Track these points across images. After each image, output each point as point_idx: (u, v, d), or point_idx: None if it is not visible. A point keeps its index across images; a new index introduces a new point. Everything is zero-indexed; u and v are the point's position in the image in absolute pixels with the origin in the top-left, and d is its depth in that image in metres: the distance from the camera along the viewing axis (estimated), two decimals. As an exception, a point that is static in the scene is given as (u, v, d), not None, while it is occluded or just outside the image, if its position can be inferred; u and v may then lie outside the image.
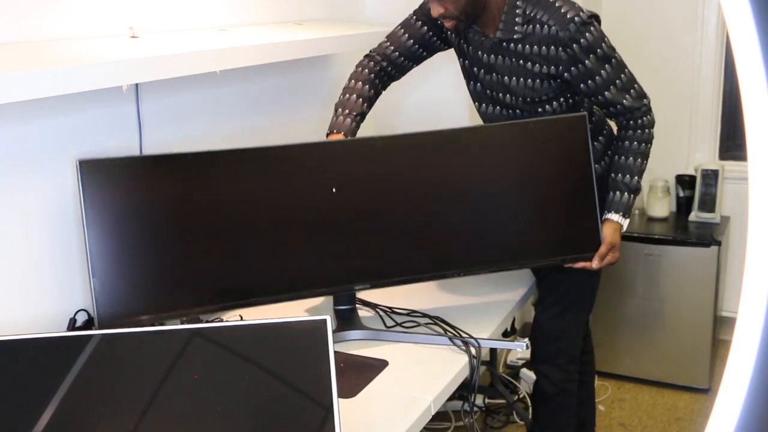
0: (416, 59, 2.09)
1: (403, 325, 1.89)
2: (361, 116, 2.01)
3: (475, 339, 1.76)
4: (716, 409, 0.48)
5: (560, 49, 1.80)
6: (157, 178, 1.67)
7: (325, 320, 1.29)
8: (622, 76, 1.85)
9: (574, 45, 1.79)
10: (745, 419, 0.46)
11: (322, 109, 2.43)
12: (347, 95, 2.03)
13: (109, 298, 1.61)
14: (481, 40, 1.91)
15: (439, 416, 2.65)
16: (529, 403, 2.86)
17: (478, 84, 2.00)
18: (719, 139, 3.33)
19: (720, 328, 3.09)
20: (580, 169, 1.87)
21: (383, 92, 2.13)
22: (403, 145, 1.86)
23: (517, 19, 1.83)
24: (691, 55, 3.26)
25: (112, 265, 1.62)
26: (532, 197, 1.90)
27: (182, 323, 1.65)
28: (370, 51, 2.11)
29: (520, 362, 3.00)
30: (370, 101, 2.05)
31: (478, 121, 2.17)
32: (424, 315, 1.90)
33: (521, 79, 1.89)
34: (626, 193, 1.90)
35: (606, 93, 1.84)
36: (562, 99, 1.90)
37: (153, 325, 1.61)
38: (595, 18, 1.83)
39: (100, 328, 1.58)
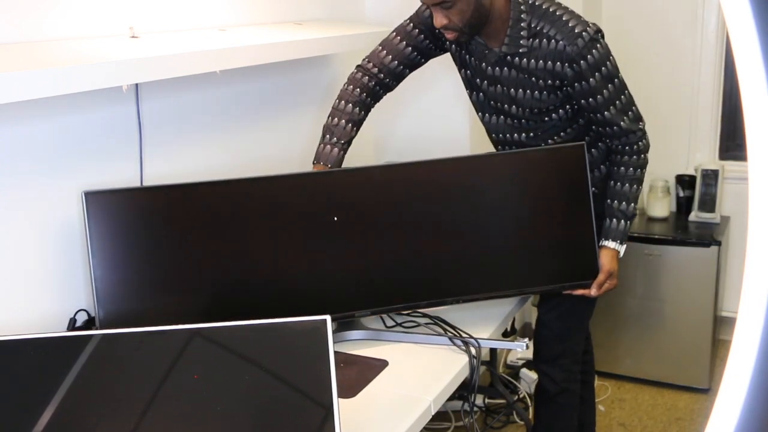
0: (412, 65, 2.03)
1: (403, 325, 1.89)
2: (349, 142, 1.97)
3: (475, 339, 1.76)
4: (716, 409, 0.48)
5: (566, 64, 1.77)
6: (157, 206, 1.69)
7: (325, 320, 1.29)
8: (623, 97, 1.84)
9: (581, 61, 1.76)
10: (745, 419, 0.46)
11: (322, 109, 2.43)
12: (335, 119, 1.97)
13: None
14: (485, 52, 1.88)
15: (439, 416, 2.66)
16: (530, 403, 2.87)
17: (482, 94, 1.98)
18: (719, 139, 3.33)
19: (720, 328, 3.09)
20: (579, 198, 1.89)
21: (380, 101, 2.08)
22: (403, 175, 1.88)
23: (522, 33, 1.79)
24: (691, 56, 3.26)
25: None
26: (531, 225, 1.91)
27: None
28: (363, 60, 2.03)
29: (520, 362, 3.00)
30: (359, 123, 1.99)
31: (479, 131, 2.17)
32: (424, 315, 1.90)
33: (527, 91, 1.87)
34: (623, 221, 1.91)
35: (606, 113, 1.83)
36: (568, 107, 1.89)
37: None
38: (599, 33, 1.80)
39: (100, 328, 1.58)
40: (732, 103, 3.28)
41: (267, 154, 2.25)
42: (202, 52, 1.68)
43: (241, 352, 1.28)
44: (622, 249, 1.93)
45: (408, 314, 1.92)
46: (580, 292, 1.92)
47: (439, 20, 1.76)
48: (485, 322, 1.90)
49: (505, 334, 2.55)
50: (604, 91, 1.80)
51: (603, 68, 1.78)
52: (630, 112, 1.87)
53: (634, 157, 1.90)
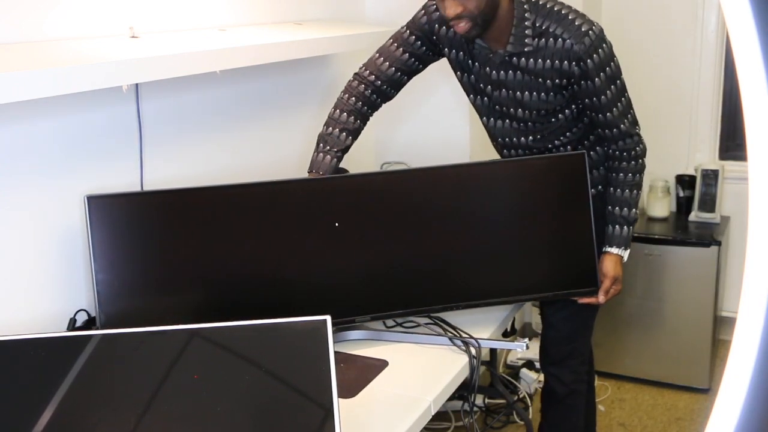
0: (410, 72, 2.00)
1: (403, 325, 1.89)
2: (344, 151, 1.94)
3: (475, 339, 1.76)
4: (716, 409, 0.48)
5: (573, 63, 1.76)
6: (159, 210, 1.69)
7: (325, 320, 1.29)
8: (623, 99, 1.84)
9: (588, 60, 1.75)
10: (745, 419, 0.46)
11: (322, 109, 2.43)
12: (330, 128, 1.94)
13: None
14: (488, 56, 1.85)
15: (439, 416, 2.66)
16: (530, 403, 2.87)
17: (486, 99, 1.95)
18: (719, 139, 3.33)
19: (720, 328, 3.09)
20: (579, 206, 1.89)
21: (379, 109, 2.05)
22: (404, 182, 1.88)
23: (527, 32, 1.77)
24: (691, 56, 3.26)
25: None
26: (531, 233, 1.91)
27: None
28: (360, 68, 2.01)
29: (520, 362, 3.00)
30: (356, 132, 1.97)
31: (480, 137, 2.17)
32: (425, 315, 1.90)
33: (534, 93, 1.85)
34: (625, 227, 1.92)
35: (608, 114, 1.83)
36: (573, 106, 1.89)
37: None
38: (603, 32, 1.79)
39: (101, 328, 1.58)
40: (732, 103, 3.28)
41: (267, 154, 2.25)
42: (202, 52, 1.68)
43: (241, 352, 1.28)
44: (626, 254, 1.94)
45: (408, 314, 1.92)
46: (586, 300, 1.93)
47: (453, 9, 1.70)
48: (485, 322, 1.90)
49: (505, 334, 2.55)
50: (608, 91, 1.80)
51: (608, 68, 1.78)
52: (629, 115, 1.87)
53: (632, 162, 1.90)
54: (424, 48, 1.96)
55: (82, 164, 1.69)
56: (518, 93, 1.87)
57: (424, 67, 2.02)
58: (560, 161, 1.93)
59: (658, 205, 3.16)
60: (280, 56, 1.96)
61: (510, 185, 1.93)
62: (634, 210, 1.92)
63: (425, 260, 1.85)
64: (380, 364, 1.72)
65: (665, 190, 3.18)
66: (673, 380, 3.02)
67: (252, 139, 2.20)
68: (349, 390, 1.60)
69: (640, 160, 1.92)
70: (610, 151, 1.91)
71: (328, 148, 1.92)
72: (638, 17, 3.30)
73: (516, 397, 2.88)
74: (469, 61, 1.92)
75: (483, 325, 1.87)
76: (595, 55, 1.75)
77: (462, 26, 1.73)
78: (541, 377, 2.92)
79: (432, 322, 1.87)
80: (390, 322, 1.90)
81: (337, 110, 1.97)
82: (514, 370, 3.01)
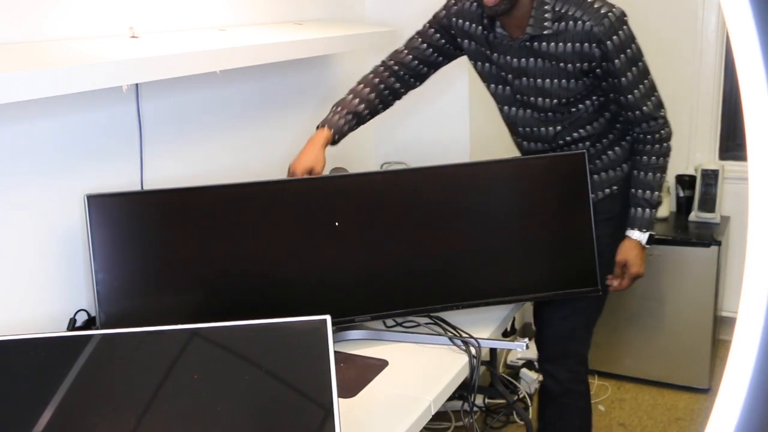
0: (430, 64, 2.06)
1: (403, 325, 1.89)
2: (355, 116, 1.99)
3: (475, 339, 1.76)
4: (716, 409, 0.48)
5: (594, 45, 1.78)
6: (159, 209, 1.69)
7: (325, 320, 1.29)
8: (646, 81, 1.85)
9: (608, 42, 1.77)
10: (745, 419, 0.46)
11: (322, 109, 2.43)
12: (347, 96, 2.03)
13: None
14: (509, 44, 1.87)
15: (439, 416, 2.65)
16: (530, 403, 2.87)
17: (507, 88, 1.96)
18: (719, 139, 3.33)
19: (720, 328, 3.09)
20: (579, 205, 1.89)
21: (399, 97, 2.11)
22: (404, 182, 1.88)
23: (546, 15, 1.79)
24: (691, 56, 3.26)
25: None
26: (531, 233, 1.91)
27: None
28: (386, 58, 2.09)
29: (520, 362, 3.00)
30: (369, 104, 2.02)
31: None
32: (425, 315, 1.90)
33: (555, 80, 1.86)
34: (647, 209, 1.93)
35: (629, 96, 1.84)
36: (594, 97, 1.90)
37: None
38: (624, 15, 1.82)
39: (101, 328, 1.58)
40: (732, 103, 3.28)
41: (267, 154, 2.25)
42: (202, 52, 1.68)
43: (241, 352, 1.28)
44: (645, 237, 1.94)
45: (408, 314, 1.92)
46: (613, 285, 1.98)
47: None
48: (485, 322, 1.90)
49: (505, 334, 2.55)
50: (628, 73, 1.81)
51: (628, 50, 1.80)
52: (653, 97, 1.88)
53: (657, 145, 1.91)
54: (443, 41, 2.02)
55: (82, 164, 1.69)
56: (539, 80, 1.88)
57: (445, 61, 2.08)
58: (560, 161, 1.93)
59: (658, 205, 3.16)
60: (280, 56, 1.96)
61: (510, 185, 1.93)
62: (657, 193, 1.93)
63: (425, 260, 1.85)
64: (380, 364, 1.72)
65: (665, 190, 3.18)
66: (673, 380, 3.02)
67: (252, 139, 2.20)
68: (349, 390, 1.60)
69: (665, 144, 1.93)
70: (635, 133, 1.93)
71: (340, 108, 1.99)
72: (639, 17, 3.30)
73: (516, 397, 2.88)
74: (488, 51, 1.94)
75: (483, 325, 1.87)
76: (615, 37, 1.77)
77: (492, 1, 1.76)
78: (541, 377, 2.92)
79: (432, 321, 1.87)
80: (390, 322, 1.90)
81: (360, 84, 2.05)
82: (514, 370, 3.01)
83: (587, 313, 2.07)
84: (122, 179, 1.78)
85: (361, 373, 1.68)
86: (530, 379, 2.92)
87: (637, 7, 3.31)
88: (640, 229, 1.93)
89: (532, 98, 1.92)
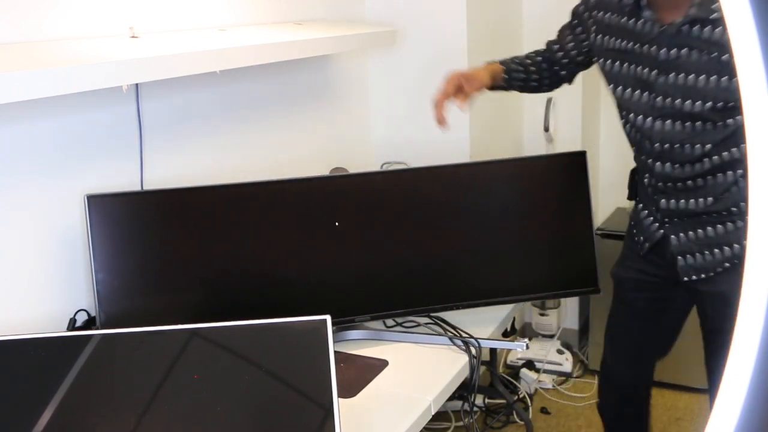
0: (579, 64, 1.88)
1: (403, 325, 1.89)
2: (515, 63, 1.89)
3: (475, 339, 1.76)
4: (716, 409, 0.48)
5: None
6: (159, 209, 1.70)
7: (325, 320, 1.29)
8: None
9: None
10: (745, 419, 0.46)
11: (322, 109, 2.43)
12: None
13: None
14: (659, 30, 1.56)
15: (439, 416, 2.65)
16: (530, 403, 2.86)
17: (645, 93, 1.61)
18: (719, 139, 3.33)
19: (720, 328, 3.09)
20: (580, 205, 1.89)
21: (548, 88, 1.98)
22: (404, 182, 1.88)
23: None
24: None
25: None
26: (531, 233, 1.92)
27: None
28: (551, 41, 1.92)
29: (520, 362, 3.00)
30: (524, 66, 1.90)
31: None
32: (425, 315, 1.90)
33: (713, 76, 1.51)
34: None
35: None
36: None
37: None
38: None
39: (101, 328, 1.58)
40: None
41: (267, 154, 2.25)
42: (202, 52, 1.68)
43: (241, 352, 1.28)
44: None
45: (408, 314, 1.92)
46: None
47: None
48: (485, 322, 1.90)
49: (505, 334, 2.55)
50: None
51: None
52: None
53: None
54: (584, 35, 1.81)
55: (82, 164, 1.69)
56: (692, 76, 1.53)
57: (588, 60, 1.85)
58: (560, 160, 1.93)
59: (658, 205, 3.16)
60: (280, 56, 1.96)
61: (510, 185, 1.93)
62: None
63: (425, 260, 1.85)
64: (380, 364, 1.72)
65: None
66: (673, 380, 3.02)
67: (252, 139, 2.20)
68: (349, 390, 1.60)
69: None
70: None
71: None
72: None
73: (516, 397, 2.88)
74: (630, 44, 1.63)
75: (483, 325, 1.87)
76: None
77: None
78: (542, 377, 2.93)
79: (432, 321, 1.87)
80: (390, 322, 1.90)
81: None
82: (514, 370, 3.01)
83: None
84: (122, 179, 1.78)
85: (361, 373, 1.68)
86: (530, 379, 2.92)
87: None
88: None
89: (678, 100, 1.56)
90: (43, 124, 1.60)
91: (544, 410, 2.83)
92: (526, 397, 2.89)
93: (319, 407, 1.24)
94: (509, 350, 2.99)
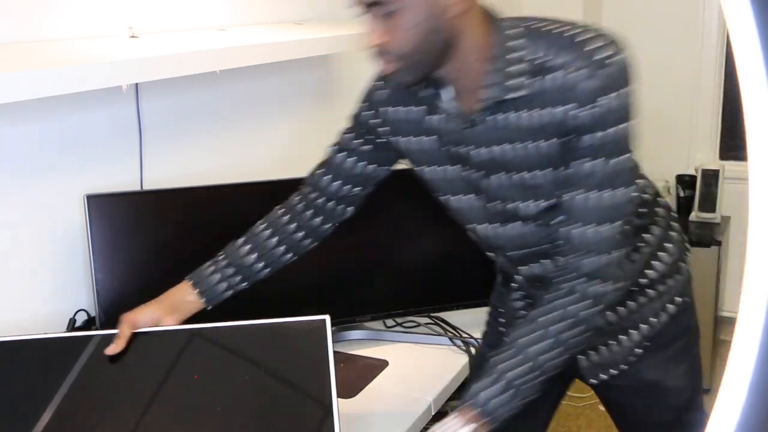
0: (371, 180, 1.43)
1: (403, 325, 1.89)
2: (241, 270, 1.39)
3: (475, 339, 1.76)
4: (716, 409, 0.48)
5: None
6: (159, 209, 1.70)
7: (324, 320, 1.29)
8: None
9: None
10: (745, 419, 0.46)
11: (322, 109, 2.43)
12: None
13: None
14: (462, 127, 1.19)
15: (440, 416, 2.65)
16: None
17: (479, 194, 1.26)
18: (719, 139, 3.33)
19: (720, 328, 3.09)
20: None
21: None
22: (403, 179, 1.87)
23: (514, 67, 1.12)
24: (691, 56, 3.26)
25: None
26: None
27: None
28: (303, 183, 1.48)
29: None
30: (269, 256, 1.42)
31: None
32: (425, 315, 1.90)
33: (537, 170, 1.18)
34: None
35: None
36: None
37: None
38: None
39: (100, 329, 1.58)
40: (732, 103, 3.28)
41: (266, 154, 2.25)
42: (202, 52, 1.68)
43: (241, 352, 1.28)
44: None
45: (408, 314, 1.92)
46: None
47: (373, 36, 1.13)
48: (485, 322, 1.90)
49: (505, 334, 2.55)
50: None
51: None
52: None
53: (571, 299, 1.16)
54: (372, 145, 1.39)
55: (81, 164, 1.69)
56: (523, 173, 1.18)
57: (389, 165, 1.44)
58: None
59: (658, 205, 3.17)
60: (280, 56, 1.96)
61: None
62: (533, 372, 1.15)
63: (425, 259, 1.85)
64: (380, 364, 1.71)
65: (665, 190, 3.18)
66: None
67: (252, 139, 2.20)
68: (350, 390, 1.60)
69: (587, 308, 1.16)
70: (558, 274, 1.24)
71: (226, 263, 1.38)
72: (639, 17, 3.30)
73: (516, 397, 2.88)
74: (438, 144, 1.25)
75: (483, 325, 1.87)
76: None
77: (385, 65, 1.15)
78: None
79: (432, 322, 1.87)
80: (390, 322, 1.90)
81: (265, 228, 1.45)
82: (514, 370, 3.01)
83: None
84: (122, 179, 1.78)
85: (361, 373, 1.68)
86: (530, 379, 2.92)
87: (638, 7, 3.32)
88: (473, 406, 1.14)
89: (513, 203, 1.22)
90: (42, 124, 1.60)
91: (544, 410, 2.83)
92: (526, 397, 2.89)
93: (318, 407, 1.24)
94: (509, 350, 2.99)
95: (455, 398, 1.88)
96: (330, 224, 1.44)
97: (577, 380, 1.46)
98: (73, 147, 1.67)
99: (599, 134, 1.09)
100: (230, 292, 1.38)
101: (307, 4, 2.41)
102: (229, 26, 2.06)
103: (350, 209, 1.45)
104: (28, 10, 1.54)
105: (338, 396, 1.24)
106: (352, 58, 2.30)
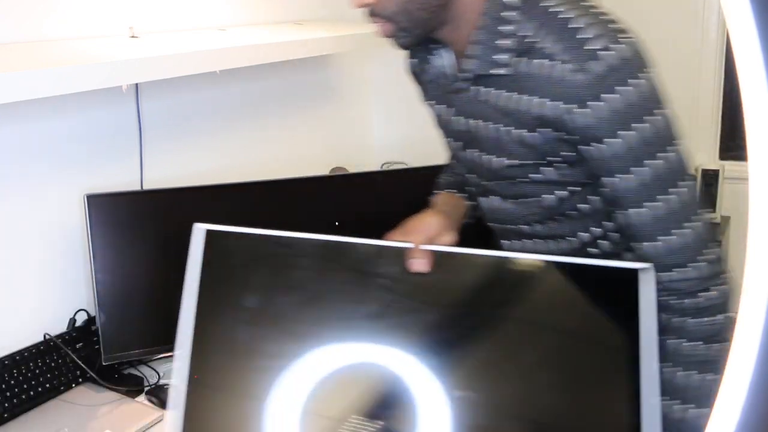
0: None
1: (403, 325, 1.89)
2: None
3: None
4: (716, 409, 0.48)
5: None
6: (159, 208, 1.69)
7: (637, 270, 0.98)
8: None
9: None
10: (745, 419, 0.46)
11: (322, 109, 2.43)
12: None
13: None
14: (454, 84, 1.14)
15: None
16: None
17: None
18: (719, 139, 3.33)
19: (720, 328, 3.09)
20: None
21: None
22: (404, 181, 1.88)
23: (501, 41, 1.04)
24: (691, 56, 3.26)
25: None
26: None
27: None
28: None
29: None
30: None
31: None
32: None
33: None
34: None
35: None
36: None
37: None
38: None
39: (101, 330, 1.58)
40: (732, 103, 3.28)
41: (267, 154, 2.25)
42: (202, 52, 1.68)
43: (556, 296, 1.03)
44: None
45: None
46: None
47: None
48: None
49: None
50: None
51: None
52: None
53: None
54: None
55: (81, 164, 1.69)
56: (494, 156, 1.14)
57: None
58: None
59: (658, 205, 3.16)
60: (280, 56, 1.96)
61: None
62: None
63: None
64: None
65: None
66: (673, 380, 3.02)
67: (252, 139, 2.20)
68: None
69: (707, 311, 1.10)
70: None
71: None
72: (639, 17, 3.30)
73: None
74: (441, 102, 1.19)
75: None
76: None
77: (378, 26, 1.11)
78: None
79: (432, 322, 1.88)
80: (390, 322, 1.90)
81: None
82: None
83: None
84: (122, 179, 1.78)
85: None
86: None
87: (637, 7, 3.31)
88: None
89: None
90: (42, 123, 1.60)
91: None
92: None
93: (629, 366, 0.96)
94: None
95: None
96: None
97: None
98: (73, 147, 1.67)
99: (617, 141, 1.00)
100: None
101: (307, 4, 2.41)
102: (229, 26, 2.06)
103: None
104: (28, 10, 1.54)
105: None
106: (352, 58, 2.30)
